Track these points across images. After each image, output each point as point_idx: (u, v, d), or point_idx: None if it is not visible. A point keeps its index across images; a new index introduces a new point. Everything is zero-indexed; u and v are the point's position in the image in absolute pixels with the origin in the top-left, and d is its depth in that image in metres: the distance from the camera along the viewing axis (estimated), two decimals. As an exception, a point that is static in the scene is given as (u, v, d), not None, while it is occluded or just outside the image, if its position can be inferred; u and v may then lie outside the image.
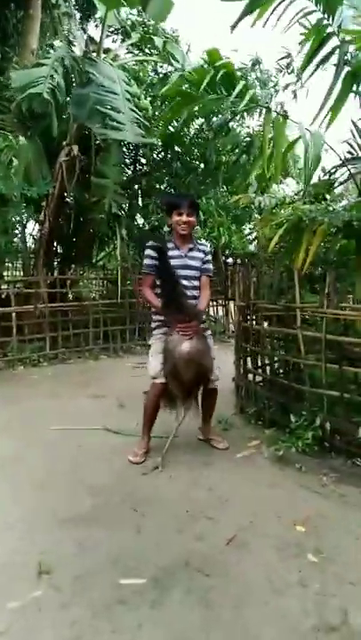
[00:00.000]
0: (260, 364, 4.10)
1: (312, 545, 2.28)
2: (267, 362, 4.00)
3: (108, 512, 2.60)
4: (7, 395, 4.97)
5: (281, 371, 3.98)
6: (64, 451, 3.43)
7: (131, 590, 1.96)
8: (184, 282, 3.22)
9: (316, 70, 3.97)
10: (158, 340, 3.28)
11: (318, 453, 3.21)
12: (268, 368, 3.95)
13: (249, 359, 4.21)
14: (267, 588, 1.97)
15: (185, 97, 3.81)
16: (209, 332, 3.53)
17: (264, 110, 4.22)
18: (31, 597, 1.93)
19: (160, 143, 8.37)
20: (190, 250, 3.33)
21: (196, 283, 3.31)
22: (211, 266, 3.47)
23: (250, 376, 4.16)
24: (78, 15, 10.25)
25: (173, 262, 3.23)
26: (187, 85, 3.80)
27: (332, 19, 3.71)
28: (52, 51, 6.45)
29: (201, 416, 3.55)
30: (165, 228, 7.03)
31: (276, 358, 3.86)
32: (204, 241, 3.72)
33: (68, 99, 6.17)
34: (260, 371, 4.06)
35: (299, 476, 3.01)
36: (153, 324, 3.43)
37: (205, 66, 3.79)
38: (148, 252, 3.31)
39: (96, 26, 9.04)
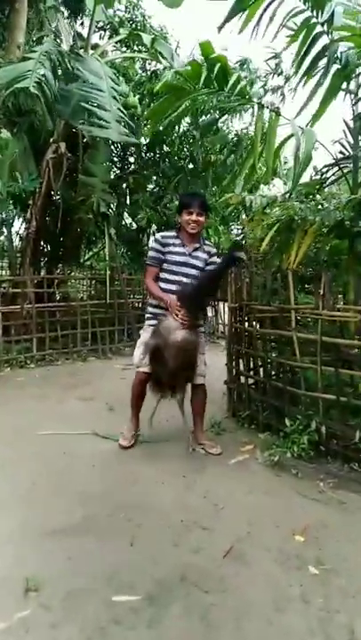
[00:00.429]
0: (252, 366, 4.02)
1: (313, 556, 2.20)
2: (260, 364, 3.92)
3: (99, 523, 2.49)
4: (-7, 398, 4.82)
5: (275, 373, 3.91)
6: (52, 457, 3.31)
7: (125, 608, 1.87)
8: (184, 279, 3.24)
9: (309, 71, 3.92)
10: (148, 330, 3.32)
11: (315, 458, 3.15)
12: (261, 370, 3.87)
13: (241, 361, 4.14)
14: (268, 604, 1.89)
15: (178, 91, 3.71)
16: (202, 328, 3.53)
17: (255, 107, 4.16)
18: (18, 618, 1.81)
19: (148, 142, 8.29)
20: (196, 249, 3.35)
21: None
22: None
23: (242, 378, 4.08)
24: (66, 12, 10.11)
25: (177, 258, 3.28)
26: (180, 79, 3.71)
27: (321, 15, 3.66)
28: (38, 45, 6.28)
29: (192, 418, 3.54)
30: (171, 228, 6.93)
31: (269, 360, 3.78)
32: (210, 242, 3.62)
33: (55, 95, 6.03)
34: (252, 373, 3.99)
35: (295, 482, 2.94)
36: (147, 315, 3.45)
37: (199, 60, 3.70)
38: (153, 245, 3.39)
39: (82, 23, 8.92)
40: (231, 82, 3.46)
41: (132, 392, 3.53)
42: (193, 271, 3.27)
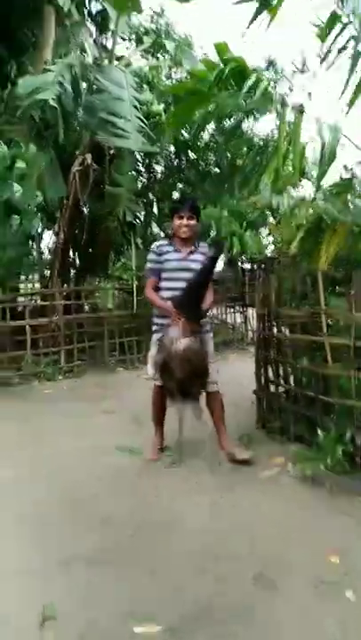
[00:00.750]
0: (282, 374, 3.83)
1: (350, 580, 2.00)
2: (290, 372, 3.72)
3: (119, 548, 2.34)
4: (20, 411, 4.79)
5: (306, 381, 3.71)
6: (73, 474, 3.20)
7: None
8: (184, 284, 3.22)
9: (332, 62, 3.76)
10: (154, 344, 3.33)
11: (350, 471, 2.92)
12: (291, 379, 3.68)
13: (271, 369, 3.95)
14: (301, 638, 1.70)
15: (195, 95, 3.61)
16: (210, 334, 3.53)
17: (278, 107, 4.01)
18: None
19: (174, 149, 8.24)
20: (191, 253, 3.36)
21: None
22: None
23: (272, 387, 3.90)
24: (94, 28, 10.29)
25: (174, 264, 3.30)
26: (194, 81, 3.61)
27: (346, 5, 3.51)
28: (61, 59, 6.35)
29: (214, 426, 3.48)
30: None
31: (300, 368, 3.58)
32: (205, 244, 3.61)
33: (79, 106, 6.07)
34: (282, 381, 3.79)
35: (330, 498, 2.73)
36: (153, 327, 3.45)
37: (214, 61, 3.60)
38: (150, 255, 3.42)
39: (106, 38, 9.03)
40: (250, 82, 3.33)
41: (152, 405, 3.53)
42: (192, 275, 3.25)
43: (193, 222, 3.34)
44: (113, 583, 2.07)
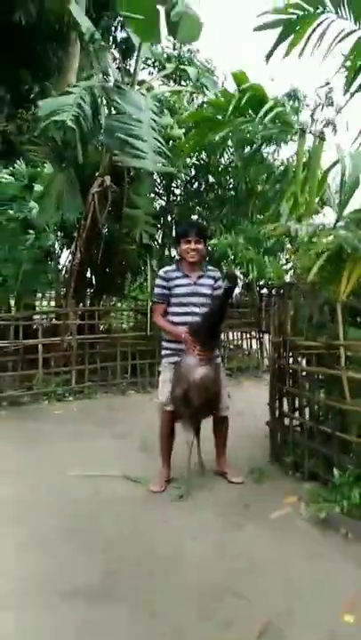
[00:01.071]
0: (297, 406, 3.69)
1: (365, 643, 1.84)
2: (306, 405, 3.58)
3: (119, 584, 2.23)
4: (28, 432, 4.71)
5: (322, 416, 3.56)
6: (78, 502, 3.09)
7: None
8: (194, 309, 3.24)
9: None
10: (167, 368, 3.33)
11: (367, 516, 2.75)
12: (307, 412, 3.53)
13: (285, 401, 3.81)
14: None
15: (209, 122, 3.59)
16: (219, 359, 3.52)
17: (298, 134, 3.97)
18: None
19: (193, 173, 8.26)
20: (200, 277, 3.37)
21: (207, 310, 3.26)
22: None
23: (286, 420, 3.74)
24: (118, 54, 10.55)
25: (182, 290, 3.29)
26: (212, 110, 3.59)
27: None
28: (82, 82, 6.47)
29: (215, 446, 3.54)
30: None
31: (316, 401, 3.44)
32: (213, 267, 3.62)
33: (101, 129, 6.12)
34: (297, 415, 3.65)
35: (344, 545, 2.57)
36: (163, 352, 3.44)
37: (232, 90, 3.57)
38: (158, 281, 3.41)
39: (130, 64, 9.22)
40: (266, 108, 3.28)
41: (160, 432, 3.45)
42: (202, 299, 3.27)
43: (200, 246, 3.34)
44: (111, 623, 1.97)
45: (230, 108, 3.19)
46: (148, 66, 8.42)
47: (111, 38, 10.05)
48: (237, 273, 3.13)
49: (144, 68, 8.35)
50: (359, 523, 2.68)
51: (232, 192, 8.08)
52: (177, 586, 2.21)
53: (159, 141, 5.77)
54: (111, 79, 6.63)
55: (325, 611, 2.03)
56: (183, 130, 7.23)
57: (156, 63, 8.18)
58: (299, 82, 10.78)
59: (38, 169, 6.01)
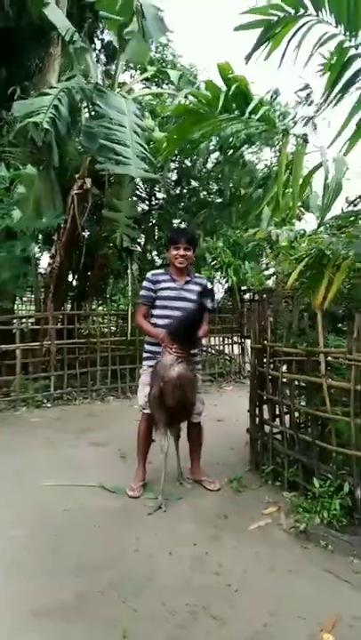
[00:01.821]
0: (278, 414, 3.62)
1: (344, 664, 1.77)
2: (286, 412, 3.52)
3: (90, 603, 2.13)
4: (4, 441, 4.56)
5: (302, 424, 3.50)
6: (52, 515, 2.98)
7: None
8: (178, 313, 3.23)
9: (341, 96, 3.68)
10: (147, 372, 3.32)
11: (348, 527, 2.69)
12: (287, 420, 3.47)
13: (266, 408, 3.75)
14: None
15: (194, 115, 3.50)
16: (199, 366, 3.57)
17: (280, 134, 3.93)
18: None
19: (175, 177, 8.20)
20: (187, 282, 3.39)
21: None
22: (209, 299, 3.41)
23: (266, 428, 3.68)
24: (103, 56, 10.47)
25: (169, 293, 3.31)
26: (196, 103, 3.51)
27: (356, 39, 3.44)
28: (59, 83, 6.34)
29: (189, 454, 3.56)
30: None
31: (296, 409, 3.38)
32: (200, 275, 3.67)
33: (78, 131, 6.02)
34: (278, 422, 3.58)
35: (324, 558, 2.50)
36: (144, 354, 3.44)
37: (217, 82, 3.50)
38: (145, 283, 3.43)
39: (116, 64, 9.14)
40: (252, 106, 3.22)
41: (137, 435, 3.47)
42: (187, 304, 3.25)
43: (189, 253, 3.37)
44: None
45: (221, 99, 3.11)
46: (130, 68, 8.35)
47: (99, 42, 9.96)
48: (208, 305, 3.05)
49: (125, 71, 8.27)
50: (339, 534, 2.63)
51: (214, 196, 8.04)
52: (150, 605, 2.11)
53: (142, 146, 5.69)
54: (92, 81, 6.52)
55: (304, 630, 1.96)
56: (165, 133, 7.18)
57: (138, 66, 8.10)
58: (279, 83, 10.74)
59: (19, 170, 5.87)
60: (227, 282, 6.51)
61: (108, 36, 9.61)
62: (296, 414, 3.40)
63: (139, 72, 8.08)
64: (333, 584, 2.28)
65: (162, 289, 3.35)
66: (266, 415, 3.74)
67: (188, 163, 7.42)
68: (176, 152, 6.38)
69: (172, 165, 7.59)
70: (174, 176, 8.22)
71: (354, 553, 2.51)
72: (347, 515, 2.72)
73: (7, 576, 2.33)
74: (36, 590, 2.22)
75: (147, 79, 7.73)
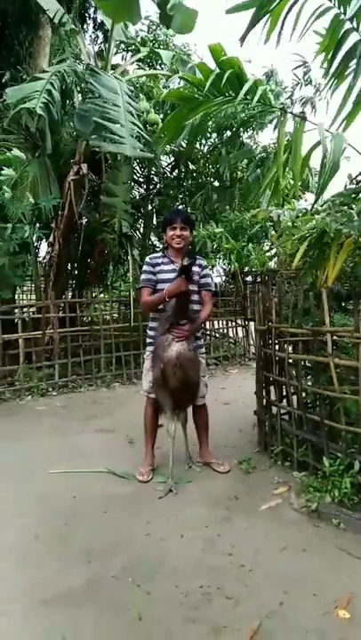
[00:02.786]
0: (285, 395, 3.61)
1: (360, 640, 1.77)
2: (293, 393, 3.50)
3: (103, 588, 2.13)
4: (9, 429, 4.57)
5: (310, 404, 3.49)
6: (60, 501, 2.98)
7: None
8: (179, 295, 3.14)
9: (339, 73, 3.58)
10: (150, 358, 3.32)
11: (359, 505, 2.68)
12: (295, 400, 3.45)
13: (273, 389, 3.73)
14: None
15: (188, 101, 3.43)
16: (203, 350, 3.55)
17: (278, 114, 3.84)
18: None
19: (172, 160, 8.09)
20: None
21: (192, 297, 3.26)
22: (209, 280, 3.46)
23: (274, 409, 3.67)
24: (101, 35, 10.26)
25: (167, 276, 3.23)
26: (190, 88, 3.43)
27: (349, 9, 3.33)
28: (51, 67, 6.20)
29: (197, 437, 3.57)
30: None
31: (303, 389, 3.36)
32: (200, 257, 3.57)
33: (72, 115, 5.92)
34: (285, 403, 3.57)
35: (337, 536, 2.50)
36: (148, 340, 3.42)
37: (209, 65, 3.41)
38: (145, 267, 3.39)
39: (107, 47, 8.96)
40: (247, 87, 3.14)
41: (144, 420, 3.49)
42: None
43: (186, 233, 3.31)
44: (96, 627, 1.89)
45: (208, 82, 3.03)
46: (123, 50, 8.16)
47: (91, 21, 9.76)
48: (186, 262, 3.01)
49: (117, 52, 8.08)
50: (351, 512, 2.62)
51: (213, 179, 7.93)
52: (164, 588, 2.11)
53: (137, 126, 5.59)
54: (84, 63, 6.39)
55: (319, 608, 1.96)
56: (161, 115, 7.06)
57: (131, 47, 7.91)
58: (276, 63, 10.52)
59: (9, 154, 5.77)
60: (229, 265, 6.44)
61: (101, 15, 9.41)
62: (303, 394, 3.38)
63: (131, 54, 7.90)
64: (347, 561, 2.27)
65: (161, 272, 3.30)
66: (273, 396, 3.72)
67: (184, 145, 7.30)
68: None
69: (168, 148, 7.46)
70: (171, 158, 8.12)
71: (366, 530, 2.50)
72: (358, 493, 2.71)
73: (17, 564, 2.33)
74: (47, 578, 2.22)
75: (140, 60, 7.57)
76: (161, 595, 2.07)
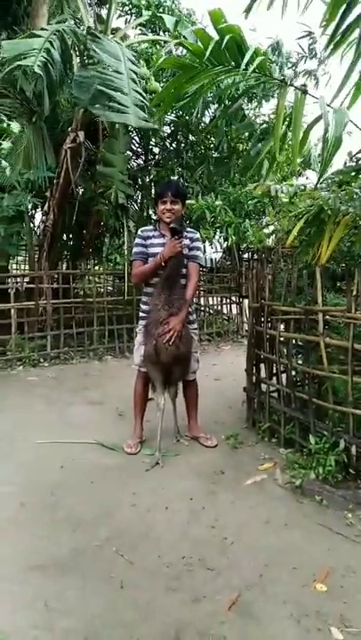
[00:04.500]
0: (275, 372, 3.62)
1: (337, 612, 1.81)
2: (283, 371, 3.51)
3: (87, 557, 2.17)
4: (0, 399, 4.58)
5: (299, 382, 3.50)
6: (47, 471, 3.01)
7: None
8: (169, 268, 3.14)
9: (342, 42, 3.46)
10: (143, 332, 3.33)
11: (342, 483, 2.72)
12: (284, 378, 3.46)
13: (263, 367, 3.74)
14: None
15: (186, 69, 3.31)
16: (196, 326, 3.54)
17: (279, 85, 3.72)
18: None
19: (170, 131, 7.90)
20: None
21: (183, 270, 3.25)
22: (199, 253, 3.39)
23: (263, 386, 3.68)
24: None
25: (158, 249, 3.20)
26: (189, 56, 3.31)
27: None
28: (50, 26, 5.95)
29: (186, 411, 3.59)
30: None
31: (293, 368, 3.36)
32: (191, 229, 3.53)
33: (70, 81, 5.73)
34: (275, 381, 3.58)
35: (319, 512, 2.54)
36: (140, 314, 3.42)
37: (208, 30, 3.28)
38: (136, 240, 3.38)
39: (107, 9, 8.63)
40: (248, 57, 3.03)
41: (134, 393, 3.51)
42: (177, 259, 3.15)
43: (177, 207, 3.25)
44: (79, 594, 1.92)
45: (208, 51, 2.91)
46: (125, 13, 7.87)
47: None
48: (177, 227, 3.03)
49: (120, 16, 7.79)
50: (334, 489, 2.66)
51: (213, 151, 7.77)
52: (147, 558, 2.15)
53: (140, 94, 5.42)
54: (84, 25, 6.16)
55: (297, 581, 2.00)
56: (161, 83, 6.86)
57: (133, 10, 7.63)
58: (283, 35, 10.18)
59: (4, 124, 5.61)
60: (226, 241, 6.37)
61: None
62: (293, 373, 3.39)
63: (134, 17, 7.62)
64: (327, 537, 2.32)
65: (152, 245, 3.28)
66: (263, 374, 3.73)
67: (183, 114, 7.12)
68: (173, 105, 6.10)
69: (167, 118, 7.29)
70: (171, 129, 7.92)
71: (348, 507, 2.54)
72: (341, 470, 2.74)
73: (4, 531, 2.36)
74: (31, 546, 2.24)
75: (142, 25, 7.31)
76: (144, 564, 2.11)
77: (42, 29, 5.50)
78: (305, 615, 1.80)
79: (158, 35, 7.49)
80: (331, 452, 2.78)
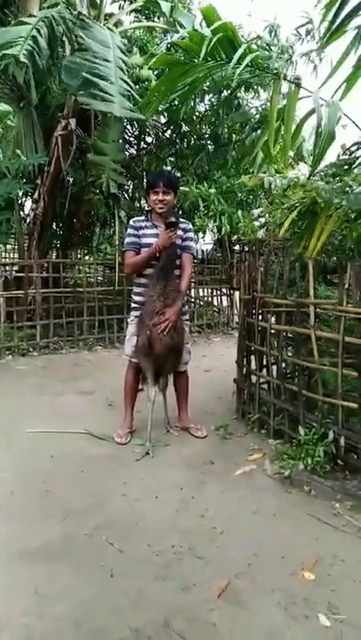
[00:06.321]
0: (265, 364, 3.64)
1: (324, 600, 1.84)
2: (273, 363, 3.53)
3: (77, 545, 2.17)
4: (-12, 388, 4.55)
5: (289, 374, 3.52)
6: (37, 461, 3.00)
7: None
8: (162, 258, 3.15)
9: (340, 29, 3.44)
10: (134, 323, 3.34)
11: (330, 473, 2.75)
12: (274, 370, 3.49)
13: (253, 359, 3.75)
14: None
15: (177, 67, 3.29)
16: (187, 317, 3.55)
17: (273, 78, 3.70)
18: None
19: (165, 120, 7.84)
20: None
21: (177, 261, 3.25)
22: (192, 243, 3.40)
23: (253, 378, 3.70)
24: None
25: (150, 240, 3.20)
26: (181, 54, 3.28)
27: None
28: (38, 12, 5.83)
29: (176, 402, 3.61)
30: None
31: (283, 360, 3.38)
32: (184, 220, 3.50)
33: (60, 67, 5.63)
34: (265, 372, 3.60)
35: (307, 502, 2.57)
36: (132, 305, 3.41)
37: (201, 29, 3.27)
38: (129, 230, 3.36)
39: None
40: (239, 53, 3.01)
41: (124, 383, 3.51)
42: (170, 250, 3.14)
43: (169, 197, 3.23)
44: (69, 582, 1.92)
45: (202, 51, 2.89)
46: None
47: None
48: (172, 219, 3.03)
49: (114, 1, 7.68)
50: (322, 480, 2.69)
51: (206, 141, 7.72)
52: (137, 547, 2.16)
53: (128, 84, 5.36)
54: (75, 10, 6.05)
55: (286, 570, 2.03)
56: (155, 72, 6.79)
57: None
58: (279, 18, 10.02)
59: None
60: (219, 231, 6.34)
61: None
62: (283, 365, 3.41)
63: (128, 2, 7.51)
64: (315, 526, 2.35)
65: (145, 235, 3.26)
66: (253, 366, 3.75)
67: (177, 104, 7.06)
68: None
69: (161, 107, 7.22)
70: (164, 118, 7.86)
71: (336, 498, 2.57)
72: (330, 461, 2.77)
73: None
74: (21, 533, 2.25)
75: (137, 10, 7.21)
76: (133, 553, 2.12)
77: (30, 16, 5.40)
78: (293, 603, 1.82)
79: (153, 21, 7.40)
80: (319, 443, 2.80)
